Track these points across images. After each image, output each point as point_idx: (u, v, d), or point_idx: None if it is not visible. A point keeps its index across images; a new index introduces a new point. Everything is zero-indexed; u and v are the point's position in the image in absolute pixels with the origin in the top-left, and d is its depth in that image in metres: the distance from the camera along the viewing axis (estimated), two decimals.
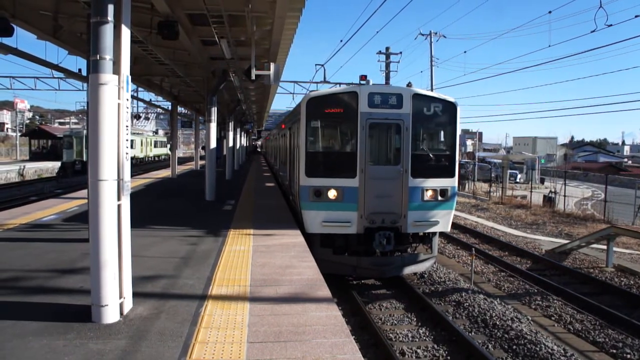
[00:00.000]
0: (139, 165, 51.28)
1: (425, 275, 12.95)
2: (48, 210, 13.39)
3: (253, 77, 11.62)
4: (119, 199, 5.03)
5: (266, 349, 4.50)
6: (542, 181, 44.81)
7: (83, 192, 18.19)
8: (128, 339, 4.65)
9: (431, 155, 11.77)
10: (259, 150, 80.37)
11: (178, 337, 4.73)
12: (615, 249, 14.90)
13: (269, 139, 51.08)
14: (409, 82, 12.08)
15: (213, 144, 16.11)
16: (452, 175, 11.88)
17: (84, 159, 42.62)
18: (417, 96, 11.45)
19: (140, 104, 36.13)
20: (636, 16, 11.77)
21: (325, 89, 14.50)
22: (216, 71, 15.02)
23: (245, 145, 58.29)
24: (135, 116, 48.91)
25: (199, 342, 4.63)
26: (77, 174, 40.11)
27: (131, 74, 9.19)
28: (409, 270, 12.03)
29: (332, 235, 11.52)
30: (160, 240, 9.50)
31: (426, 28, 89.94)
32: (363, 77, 27.79)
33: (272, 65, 11.49)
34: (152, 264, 7.55)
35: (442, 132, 12.05)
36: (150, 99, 33.45)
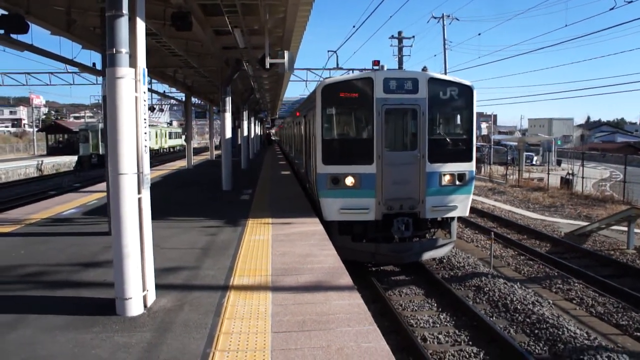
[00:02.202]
0: (155, 157, 51.63)
1: (444, 260, 12.91)
2: (68, 204, 13.54)
3: (267, 66, 11.57)
4: (139, 192, 5.05)
5: (290, 339, 4.51)
6: (558, 163, 44.29)
7: (101, 186, 18.36)
8: (153, 331, 4.69)
9: (448, 140, 11.66)
10: (273, 138, 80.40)
11: (202, 329, 4.75)
12: (636, 230, 14.68)
13: (282, 127, 51.10)
14: (424, 67, 11.95)
15: (228, 133, 16.12)
16: (470, 160, 11.78)
17: (100, 152, 43.02)
18: (432, 80, 11.32)
19: (155, 95, 36.17)
20: None
21: (340, 76, 14.38)
22: (229, 61, 14.98)
23: (259, 133, 58.34)
24: (150, 108, 49.12)
25: (224, 333, 4.65)
26: (94, 168, 40.51)
27: (146, 66, 9.26)
28: (427, 255, 11.99)
29: (350, 223, 11.50)
30: (180, 231, 9.56)
31: (439, 11, 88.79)
32: (376, 63, 27.69)
33: (286, 53, 11.41)
34: (173, 256, 7.60)
35: (458, 116, 11.94)
36: (164, 91, 33.53)
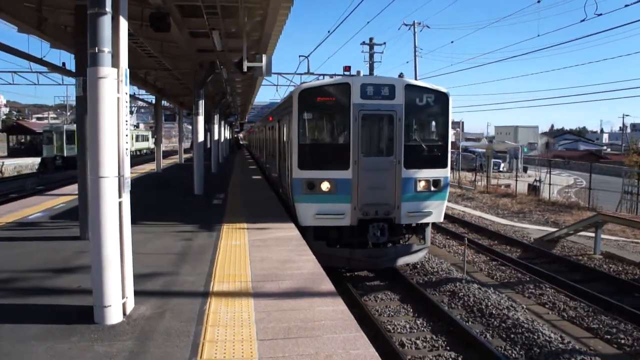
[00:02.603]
0: None
1: (418, 266, 12.98)
2: (33, 207, 13.10)
3: (245, 69, 11.46)
4: (120, 196, 4.89)
5: (277, 346, 4.43)
6: (525, 170, 45.31)
7: (68, 189, 17.86)
8: (134, 340, 4.53)
9: (424, 146, 11.75)
10: (242, 142, 79.85)
11: (185, 337, 4.62)
12: (602, 235, 15.07)
13: (252, 132, 50.80)
14: (401, 73, 12.04)
15: (201, 137, 15.91)
16: (445, 166, 11.90)
17: (65, 154, 41.94)
18: (409, 87, 11.40)
19: None
20: (626, 5, 11.83)
21: (317, 81, 14.35)
22: (204, 63, 14.78)
23: (228, 138, 57.85)
24: None
25: (208, 341, 4.53)
26: (59, 170, 39.44)
27: None
28: (402, 261, 12.04)
29: (326, 228, 11.46)
30: (153, 236, 9.34)
31: (412, 18, 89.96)
32: (347, 68, 27.74)
33: (263, 57, 11.32)
34: (148, 261, 7.40)
35: (434, 123, 12.06)
36: (134, 93, 32.90)
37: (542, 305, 10.50)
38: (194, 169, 15.77)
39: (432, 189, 11.71)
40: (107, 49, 4.68)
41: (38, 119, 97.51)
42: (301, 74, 30.74)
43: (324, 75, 30.23)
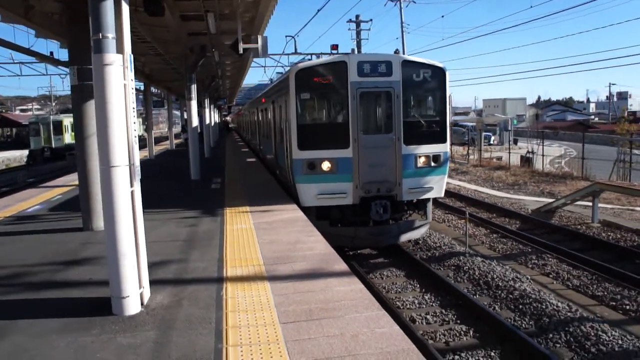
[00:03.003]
0: None
1: (420, 242, 13.04)
2: (30, 200, 12.92)
3: (241, 51, 11.27)
4: (131, 185, 4.80)
5: (302, 329, 4.41)
6: (515, 142, 45.43)
7: (62, 180, 17.68)
8: (156, 329, 4.49)
9: (422, 122, 11.71)
10: (231, 125, 79.28)
11: (207, 324, 4.59)
12: (598, 204, 15.18)
13: (242, 114, 50.39)
14: (396, 49, 11.95)
15: (195, 121, 15.73)
16: (444, 141, 11.88)
17: (53, 145, 41.42)
18: (406, 63, 11.31)
19: None
20: None
21: (312, 60, 14.17)
22: (194, 47, 14.55)
23: (217, 121, 57.41)
24: None
25: (231, 327, 4.50)
26: (47, 161, 39.00)
27: None
28: (405, 237, 12.08)
29: (328, 208, 11.44)
30: (157, 223, 9.24)
31: None
32: (334, 47, 27.43)
33: (259, 38, 11.13)
34: (156, 249, 7.31)
35: (432, 98, 11.99)
36: None
37: (546, 275, 10.59)
38: (190, 153, 15.62)
39: (432, 164, 11.70)
40: (111, 34, 4.55)
41: (22, 110, 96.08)
42: (288, 54, 30.42)
43: (311, 54, 29.95)
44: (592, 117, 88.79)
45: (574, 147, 45.03)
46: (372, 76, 11.13)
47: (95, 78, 4.57)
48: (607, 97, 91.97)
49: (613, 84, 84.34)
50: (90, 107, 8.36)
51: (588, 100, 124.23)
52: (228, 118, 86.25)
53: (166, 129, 57.00)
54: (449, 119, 12.19)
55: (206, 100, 28.47)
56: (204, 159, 23.21)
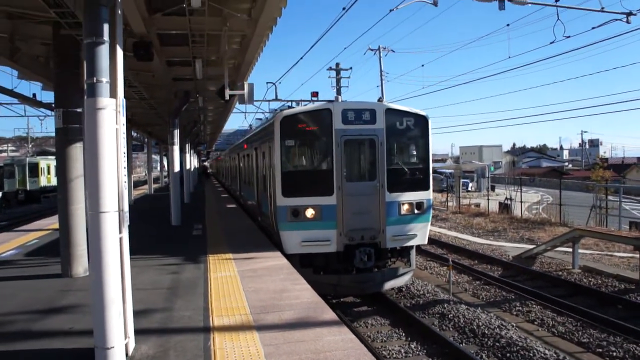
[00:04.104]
0: None
1: (404, 289, 12.93)
2: (5, 245, 12.53)
3: (227, 97, 11.36)
4: (120, 231, 4.69)
5: None
6: (492, 188, 46.12)
7: (38, 224, 17.25)
8: None
9: (406, 169, 11.83)
10: (209, 171, 79.04)
11: None
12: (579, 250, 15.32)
13: (221, 160, 50.38)
14: (380, 97, 12.15)
15: (177, 167, 15.63)
16: (427, 188, 11.98)
17: (27, 188, 40.64)
18: (389, 111, 11.51)
19: None
20: (593, 28, 12.29)
21: (297, 107, 14.33)
22: (178, 92, 14.63)
23: (196, 166, 57.21)
24: None
25: None
26: (22, 204, 38.16)
27: (82, 97, 8.80)
28: (389, 285, 11.97)
29: (312, 255, 11.33)
30: (138, 270, 8.99)
31: (382, 41, 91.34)
32: (314, 94, 27.81)
33: (246, 84, 11.27)
34: (139, 297, 7.07)
35: (415, 146, 12.15)
36: None
37: (531, 322, 10.55)
38: (171, 199, 15.44)
39: (416, 211, 11.76)
40: (105, 78, 4.53)
41: None
42: (269, 101, 30.76)
43: (292, 101, 30.35)
44: (566, 163, 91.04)
45: (550, 193, 45.89)
46: (357, 124, 11.28)
47: (87, 122, 4.51)
48: (579, 144, 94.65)
49: (585, 132, 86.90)
50: (75, 150, 8.31)
51: (561, 147, 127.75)
52: (206, 163, 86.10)
53: (143, 173, 56.64)
54: (431, 166, 12.33)
55: (187, 145, 28.42)
56: (184, 205, 22.95)
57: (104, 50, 4.52)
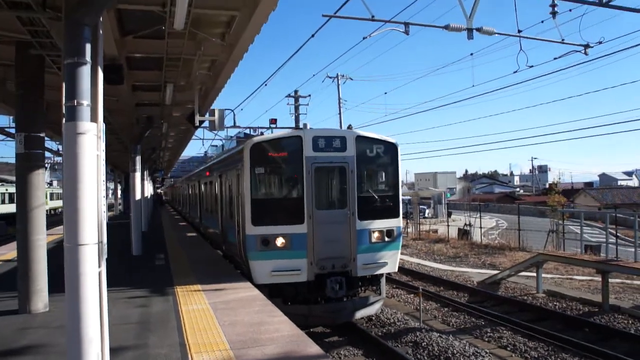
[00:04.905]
0: None
1: (374, 318, 12.74)
2: None
3: (197, 123, 11.08)
4: (99, 265, 4.36)
5: None
6: (449, 215, 46.91)
7: None
8: None
9: (376, 197, 11.78)
10: (164, 198, 77.27)
11: None
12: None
13: (178, 187, 49.33)
14: (350, 125, 12.15)
15: (139, 194, 15.10)
16: (397, 215, 11.97)
17: None
18: (360, 138, 11.50)
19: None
20: (555, 58, 12.75)
21: (267, 134, 14.15)
22: (140, 118, 14.23)
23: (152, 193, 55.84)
24: None
25: None
26: None
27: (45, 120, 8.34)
28: (360, 314, 11.77)
29: (282, 285, 11.05)
30: None
31: (345, 68, 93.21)
32: (273, 121, 27.73)
33: (216, 111, 11.05)
34: (109, 333, 6.66)
35: (385, 173, 12.15)
36: (58, 148, 30.87)
37: (504, 348, 10.54)
38: (132, 228, 14.86)
39: (386, 239, 11.70)
40: (86, 101, 4.27)
41: None
42: (228, 127, 30.43)
43: (250, 128, 30.16)
44: (517, 189, 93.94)
45: (504, 219, 47.12)
46: (327, 151, 11.20)
47: (66, 147, 4.22)
48: (530, 170, 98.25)
49: (535, 158, 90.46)
50: (36, 176, 7.87)
51: (511, 174, 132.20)
52: (160, 190, 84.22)
53: None
54: (401, 193, 12.34)
55: (145, 172, 27.69)
56: (143, 234, 22.21)
57: (85, 72, 4.26)
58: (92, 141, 4.29)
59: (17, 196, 7.90)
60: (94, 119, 4.39)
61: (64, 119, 4.24)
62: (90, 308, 4.18)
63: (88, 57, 4.27)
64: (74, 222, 4.16)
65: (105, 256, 4.55)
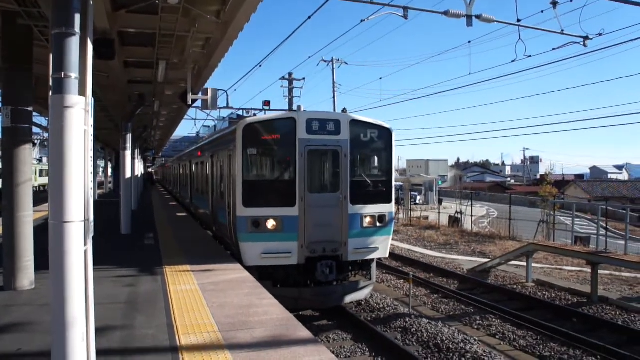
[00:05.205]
0: None
1: (363, 303, 12.74)
2: None
3: (189, 102, 10.89)
4: (85, 243, 4.23)
5: None
6: (440, 202, 47.02)
7: None
8: None
9: (369, 182, 11.69)
10: (155, 177, 76.78)
11: None
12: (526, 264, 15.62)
13: (169, 167, 49.04)
14: (344, 108, 11.99)
15: (129, 173, 14.92)
16: (390, 201, 11.89)
17: None
18: (354, 122, 11.36)
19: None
20: (553, 49, 12.61)
21: (261, 115, 13.97)
22: (132, 96, 13.98)
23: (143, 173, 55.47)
24: None
25: None
26: None
27: (33, 95, 8.11)
28: (350, 298, 11.77)
29: (272, 267, 10.98)
30: None
31: (341, 52, 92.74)
32: (266, 103, 27.50)
33: (209, 90, 10.84)
34: (96, 313, 6.54)
35: (378, 158, 12.04)
36: (48, 125, 30.57)
37: (493, 336, 10.59)
38: (121, 207, 14.68)
39: (378, 224, 11.64)
40: (74, 74, 4.09)
41: None
42: (221, 108, 30.12)
43: (243, 109, 29.87)
44: (509, 179, 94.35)
45: (495, 207, 47.31)
46: (321, 134, 11.06)
47: (52, 121, 4.05)
48: (522, 160, 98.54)
49: (527, 149, 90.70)
50: (23, 151, 7.69)
51: (503, 163, 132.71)
52: (151, 170, 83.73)
53: None
54: (394, 179, 12.25)
55: (136, 150, 27.40)
56: (133, 212, 22.02)
57: (74, 43, 4.08)
58: (79, 115, 4.12)
59: (3, 171, 7.71)
60: (82, 92, 4.22)
61: (50, 92, 4.07)
62: (75, 287, 4.05)
63: (77, 28, 4.09)
64: (59, 199, 4.01)
65: (91, 234, 4.42)
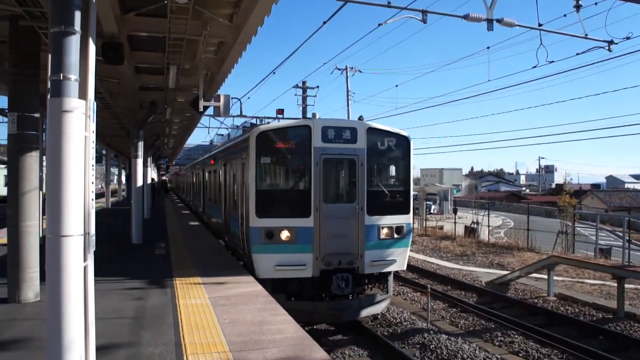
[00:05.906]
0: None
1: (379, 317, 12.31)
2: None
3: (201, 109, 10.62)
4: (85, 259, 3.91)
5: None
6: (454, 211, 46.40)
7: None
8: None
9: (386, 192, 11.31)
10: (169, 185, 77.00)
11: None
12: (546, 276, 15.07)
13: (182, 175, 49.03)
14: (361, 116, 11.65)
15: (140, 181, 14.68)
16: (408, 212, 11.50)
17: None
18: (371, 130, 11.02)
19: None
20: (577, 54, 12.18)
21: (275, 122, 13.69)
22: (144, 103, 13.76)
23: (156, 180, 55.58)
24: None
25: None
26: None
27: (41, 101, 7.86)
28: (366, 312, 11.36)
29: (285, 280, 10.62)
30: (98, 295, 7.82)
31: (356, 60, 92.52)
32: (280, 111, 27.29)
33: (222, 96, 10.57)
34: (100, 328, 6.10)
35: (396, 167, 11.68)
36: None
37: (516, 353, 10.10)
38: (132, 216, 14.42)
39: (396, 235, 11.27)
40: (74, 76, 3.79)
41: None
42: (234, 116, 30.00)
43: (257, 118, 29.66)
44: (524, 188, 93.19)
45: (510, 217, 46.55)
46: (337, 142, 10.73)
47: (50, 126, 3.75)
48: (537, 170, 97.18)
49: (542, 158, 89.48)
50: (29, 159, 7.44)
51: (517, 172, 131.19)
52: (164, 178, 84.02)
53: (100, 186, 54.66)
54: (412, 188, 11.86)
55: (149, 158, 27.31)
56: (145, 221, 21.82)
57: (73, 42, 3.79)
58: (79, 120, 3.82)
59: (9, 179, 7.48)
60: (82, 95, 3.92)
61: (48, 95, 3.77)
62: (73, 307, 3.74)
63: (77, 27, 3.80)
64: (57, 211, 3.70)
65: (92, 249, 4.10)
